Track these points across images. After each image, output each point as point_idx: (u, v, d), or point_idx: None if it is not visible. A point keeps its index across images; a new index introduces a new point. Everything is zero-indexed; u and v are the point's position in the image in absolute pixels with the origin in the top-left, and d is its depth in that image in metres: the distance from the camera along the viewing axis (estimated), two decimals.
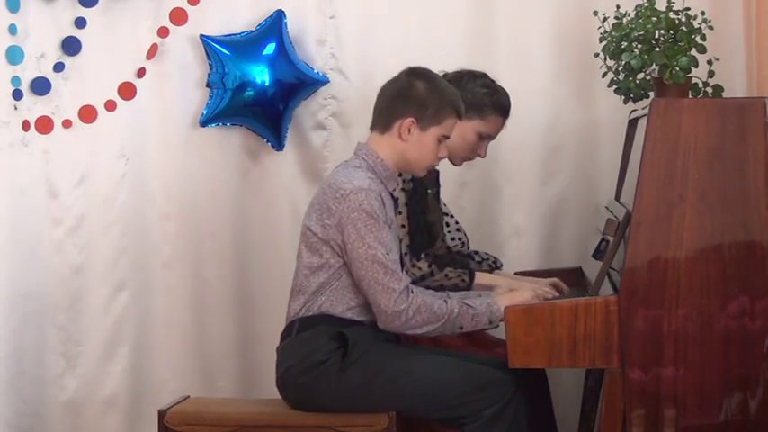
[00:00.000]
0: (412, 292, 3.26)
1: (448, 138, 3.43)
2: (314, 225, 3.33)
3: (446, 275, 3.61)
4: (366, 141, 3.45)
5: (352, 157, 3.44)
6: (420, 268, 3.60)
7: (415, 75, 3.42)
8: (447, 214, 3.89)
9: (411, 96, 3.38)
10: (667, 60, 3.44)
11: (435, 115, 3.38)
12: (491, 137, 3.76)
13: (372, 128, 3.45)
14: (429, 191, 3.70)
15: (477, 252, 3.93)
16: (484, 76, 3.75)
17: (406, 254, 3.53)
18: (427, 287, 3.54)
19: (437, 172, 3.76)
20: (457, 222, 3.91)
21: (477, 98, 3.67)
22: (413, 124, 3.37)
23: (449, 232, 3.87)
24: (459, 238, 3.87)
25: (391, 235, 3.30)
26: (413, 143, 3.39)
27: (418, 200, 3.65)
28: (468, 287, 3.65)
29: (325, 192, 3.34)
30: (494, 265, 3.90)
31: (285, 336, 3.39)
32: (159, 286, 4.33)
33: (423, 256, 3.60)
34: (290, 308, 3.40)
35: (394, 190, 3.43)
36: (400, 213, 3.57)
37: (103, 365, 4.30)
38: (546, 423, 3.58)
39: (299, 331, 3.34)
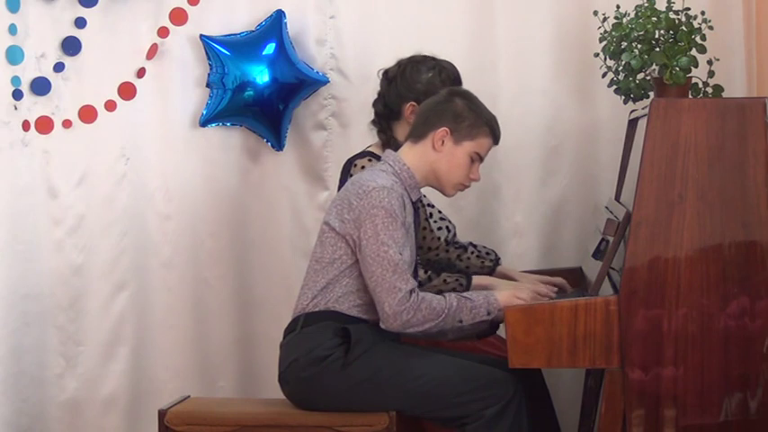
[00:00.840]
0: (415, 291, 3.27)
1: (482, 159, 3.45)
2: (333, 220, 3.35)
3: (444, 281, 3.61)
4: (397, 151, 3.46)
5: (380, 162, 3.46)
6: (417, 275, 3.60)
7: (456, 93, 3.47)
8: (429, 205, 3.88)
9: (448, 109, 3.42)
10: (667, 60, 3.44)
11: (470, 129, 3.40)
12: None
13: (407, 138, 3.47)
14: None
15: (475, 246, 3.91)
16: (424, 59, 3.75)
17: None
18: None
19: None
20: (440, 211, 3.89)
21: (428, 83, 3.68)
22: (446, 135, 3.40)
23: (434, 222, 3.86)
24: (446, 227, 3.86)
25: (406, 238, 3.31)
26: (444, 154, 3.41)
27: None
28: (466, 291, 3.65)
29: (348, 189, 3.37)
30: (494, 263, 3.88)
31: (290, 330, 3.40)
32: (159, 286, 4.32)
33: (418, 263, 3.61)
34: (298, 303, 3.42)
35: (417, 200, 3.43)
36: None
37: (103, 365, 4.30)
38: (548, 423, 3.58)
39: (304, 326, 3.35)
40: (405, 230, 3.31)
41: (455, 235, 3.89)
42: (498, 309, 3.29)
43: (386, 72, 3.78)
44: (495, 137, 3.46)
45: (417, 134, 3.45)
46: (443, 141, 3.40)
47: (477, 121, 3.41)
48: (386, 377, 3.29)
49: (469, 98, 3.46)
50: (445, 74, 3.73)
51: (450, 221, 3.88)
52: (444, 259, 3.84)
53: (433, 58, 3.76)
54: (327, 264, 3.35)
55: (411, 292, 3.26)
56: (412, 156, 3.44)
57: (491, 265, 3.87)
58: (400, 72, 3.73)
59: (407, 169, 3.42)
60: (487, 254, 3.89)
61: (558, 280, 3.78)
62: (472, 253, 3.87)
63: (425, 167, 3.43)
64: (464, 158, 3.42)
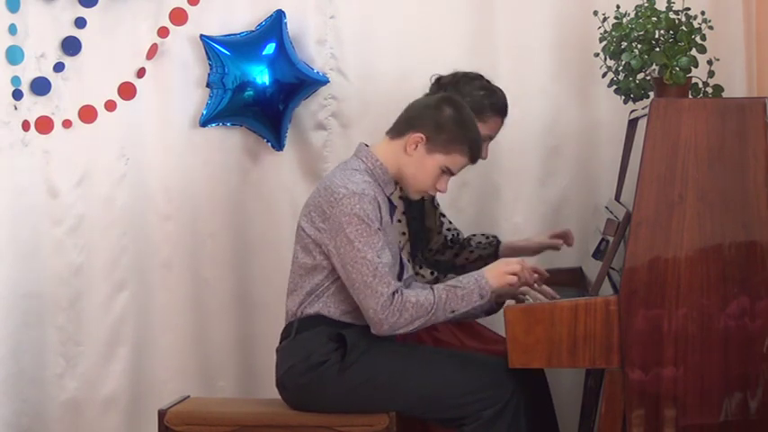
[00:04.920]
0: (398, 292, 3.23)
1: (452, 174, 3.39)
2: (307, 226, 3.33)
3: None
4: (370, 144, 3.43)
5: (352, 158, 3.43)
6: (423, 276, 3.61)
7: (448, 101, 3.39)
8: (441, 214, 3.94)
9: (432, 116, 3.35)
10: (667, 60, 3.44)
11: (446, 144, 3.34)
12: (491, 137, 3.76)
13: (388, 132, 3.44)
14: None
15: (474, 235, 3.98)
16: (479, 77, 3.74)
17: (408, 261, 3.53)
18: None
19: None
20: (450, 222, 3.97)
21: (475, 101, 3.65)
22: (421, 141, 3.34)
23: (447, 229, 3.92)
24: (455, 229, 3.95)
25: (384, 240, 3.27)
26: (414, 160, 3.36)
27: (416, 206, 3.66)
28: None
29: (321, 194, 3.33)
30: (492, 245, 3.94)
31: (285, 336, 3.40)
32: (159, 286, 4.32)
33: (424, 263, 3.62)
34: (288, 306, 3.41)
35: (391, 194, 3.42)
36: (399, 221, 3.57)
37: (103, 365, 4.30)
38: (548, 423, 3.58)
39: (299, 332, 3.34)
40: (381, 234, 3.26)
41: (458, 236, 3.93)
42: (491, 290, 3.26)
43: (438, 78, 3.74)
44: (472, 158, 3.38)
45: (397, 131, 3.40)
46: (416, 146, 3.34)
47: (456, 137, 3.34)
48: (383, 380, 3.28)
49: (460, 110, 3.37)
50: (495, 97, 3.71)
51: (456, 230, 3.94)
52: (448, 259, 3.88)
53: (488, 81, 3.75)
54: (311, 269, 3.34)
55: (393, 294, 3.22)
56: (386, 152, 3.39)
57: (494, 239, 3.97)
58: (453, 82, 3.70)
59: (380, 165, 3.38)
60: (487, 241, 3.95)
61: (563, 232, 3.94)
62: (476, 239, 3.95)
63: (394, 166, 3.38)
64: (433, 169, 3.36)
